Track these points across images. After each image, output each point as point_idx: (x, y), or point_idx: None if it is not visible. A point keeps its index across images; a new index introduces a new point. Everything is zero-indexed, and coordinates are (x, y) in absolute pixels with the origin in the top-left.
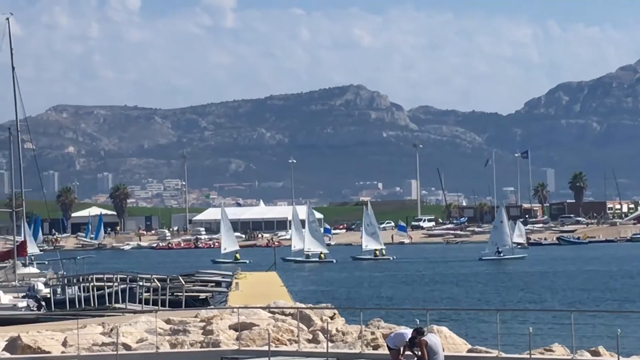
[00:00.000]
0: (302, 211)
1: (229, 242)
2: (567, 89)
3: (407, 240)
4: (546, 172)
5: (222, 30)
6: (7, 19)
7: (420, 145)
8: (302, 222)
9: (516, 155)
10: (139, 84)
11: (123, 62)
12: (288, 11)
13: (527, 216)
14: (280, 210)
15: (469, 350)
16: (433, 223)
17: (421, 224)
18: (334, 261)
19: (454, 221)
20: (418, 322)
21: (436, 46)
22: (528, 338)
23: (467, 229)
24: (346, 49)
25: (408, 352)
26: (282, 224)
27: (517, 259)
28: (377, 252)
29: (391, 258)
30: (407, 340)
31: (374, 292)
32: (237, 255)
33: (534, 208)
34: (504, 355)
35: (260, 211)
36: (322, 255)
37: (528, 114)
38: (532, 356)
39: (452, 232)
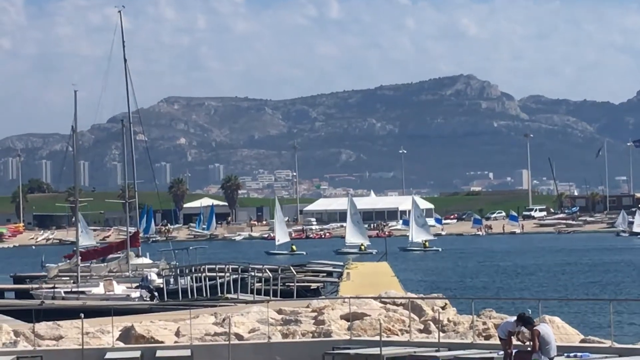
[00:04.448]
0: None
1: (281, 234)
2: None
3: (518, 230)
4: None
5: (328, 20)
6: (119, 11)
7: (531, 135)
8: (406, 212)
9: (628, 144)
10: (246, 75)
11: (230, 53)
12: (393, 1)
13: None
14: (391, 201)
15: (582, 341)
16: (544, 213)
17: (532, 213)
18: (373, 252)
19: (566, 211)
20: (530, 312)
21: (544, 35)
22: None
23: (579, 218)
24: (452, 39)
25: (517, 342)
26: (393, 214)
27: None
28: (427, 243)
29: (440, 249)
30: (516, 326)
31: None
32: (293, 247)
33: None
34: (617, 345)
35: (371, 201)
36: (363, 247)
37: None
38: None
39: (564, 221)
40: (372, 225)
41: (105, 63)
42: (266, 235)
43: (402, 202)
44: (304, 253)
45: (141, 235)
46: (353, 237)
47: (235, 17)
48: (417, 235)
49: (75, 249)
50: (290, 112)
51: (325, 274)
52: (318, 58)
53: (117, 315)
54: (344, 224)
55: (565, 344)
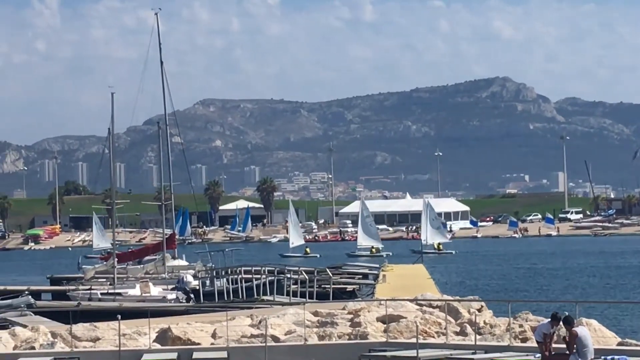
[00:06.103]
0: (448, 204)
1: (295, 236)
2: None
3: (554, 233)
4: None
5: (362, 23)
6: (156, 14)
7: (567, 137)
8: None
9: None
10: (281, 77)
11: (264, 55)
12: (427, 3)
13: None
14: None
15: (619, 344)
16: (581, 215)
17: (569, 216)
18: (384, 255)
19: (602, 213)
20: (566, 314)
21: (578, 37)
22: None
23: (616, 221)
24: (486, 41)
25: (554, 345)
26: None
27: None
28: (441, 246)
29: (453, 252)
30: (552, 327)
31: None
32: (307, 250)
33: None
34: None
35: (407, 204)
36: (374, 250)
37: None
38: None
39: (600, 224)
40: (407, 227)
41: (139, 65)
42: None
43: (438, 204)
44: (318, 256)
45: (177, 237)
46: (365, 240)
47: (269, 19)
48: (431, 237)
49: (110, 250)
50: (325, 115)
51: (361, 276)
52: (352, 60)
53: (154, 317)
54: (379, 227)
55: (602, 347)
